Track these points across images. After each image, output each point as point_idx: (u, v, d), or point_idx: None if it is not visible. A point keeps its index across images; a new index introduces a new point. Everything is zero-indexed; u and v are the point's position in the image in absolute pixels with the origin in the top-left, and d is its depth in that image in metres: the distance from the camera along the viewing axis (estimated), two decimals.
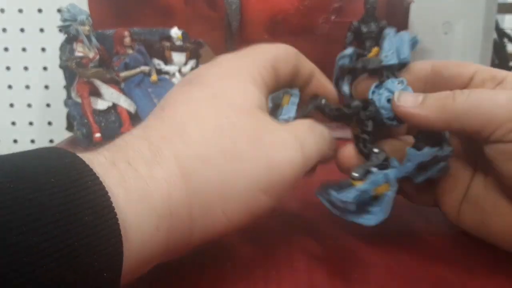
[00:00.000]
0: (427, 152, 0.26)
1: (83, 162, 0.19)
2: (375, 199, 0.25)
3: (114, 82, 0.58)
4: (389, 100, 0.27)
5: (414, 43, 0.28)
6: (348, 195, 0.24)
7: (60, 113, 0.66)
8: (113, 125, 0.56)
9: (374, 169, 0.26)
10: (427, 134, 0.27)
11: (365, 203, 0.25)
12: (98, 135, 0.55)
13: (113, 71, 0.58)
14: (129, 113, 0.57)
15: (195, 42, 0.61)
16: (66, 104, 0.58)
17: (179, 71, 0.61)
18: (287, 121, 0.27)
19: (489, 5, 0.55)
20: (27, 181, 0.16)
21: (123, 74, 0.58)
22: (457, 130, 0.25)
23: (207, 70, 0.26)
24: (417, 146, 0.27)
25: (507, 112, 0.23)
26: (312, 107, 0.30)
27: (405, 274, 0.26)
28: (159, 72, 0.60)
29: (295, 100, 0.28)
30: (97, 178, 0.18)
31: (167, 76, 0.60)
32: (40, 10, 0.72)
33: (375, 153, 0.27)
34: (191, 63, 0.61)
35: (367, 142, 0.28)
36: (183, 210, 0.21)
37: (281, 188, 0.24)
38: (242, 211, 0.23)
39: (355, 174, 0.26)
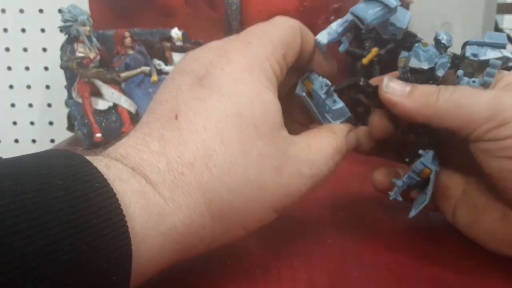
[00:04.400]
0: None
1: (92, 165, 0.19)
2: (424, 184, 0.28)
3: (114, 82, 0.58)
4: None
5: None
6: (398, 182, 0.29)
7: (61, 113, 0.66)
8: (113, 125, 0.57)
9: (421, 151, 0.28)
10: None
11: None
12: (98, 135, 0.55)
13: (113, 72, 0.58)
14: (129, 113, 0.58)
15: (195, 42, 0.61)
16: (67, 104, 0.59)
17: None
18: (344, 115, 0.29)
19: (488, 5, 0.55)
20: (32, 184, 0.16)
21: (124, 74, 0.59)
22: (438, 126, 0.26)
23: (215, 66, 0.24)
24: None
25: (486, 113, 0.24)
26: (346, 86, 0.30)
27: (405, 274, 0.26)
28: (160, 72, 0.60)
29: (327, 88, 0.28)
30: (105, 180, 0.18)
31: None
32: (41, 11, 0.73)
33: (421, 132, 0.28)
34: None
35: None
36: (204, 233, 0.22)
37: (289, 206, 0.25)
38: (257, 224, 0.24)
39: (407, 160, 0.29)
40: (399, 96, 0.26)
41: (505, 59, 0.25)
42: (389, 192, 0.29)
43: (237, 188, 0.22)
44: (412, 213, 0.28)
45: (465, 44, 0.27)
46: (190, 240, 0.22)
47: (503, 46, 0.26)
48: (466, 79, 0.26)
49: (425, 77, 0.27)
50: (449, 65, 0.26)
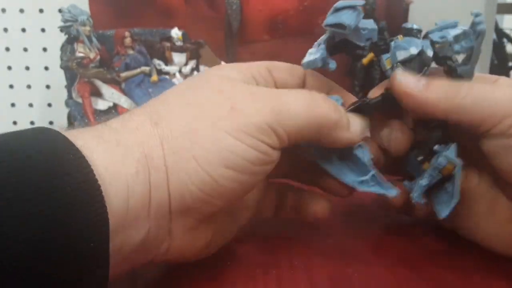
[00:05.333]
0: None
1: (65, 137, 0.20)
2: (446, 180, 0.26)
3: (114, 82, 0.58)
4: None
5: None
6: (421, 181, 0.26)
7: (61, 113, 0.66)
8: None
9: (437, 147, 0.26)
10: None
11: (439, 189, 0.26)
12: None
13: (113, 72, 0.58)
14: None
15: (195, 42, 0.61)
16: (67, 104, 0.59)
17: (180, 71, 0.61)
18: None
19: (488, 5, 0.55)
20: (9, 155, 0.17)
21: (124, 74, 0.59)
22: (455, 121, 0.25)
23: None
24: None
25: (507, 108, 0.23)
26: (355, 107, 0.28)
27: (405, 274, 0.26)
28: (160, 72, 0.60)
29: None
30: (79, 151, 0.19)
31: (167, 77, 0.60)
32: (41, 10, 0.72)
33: (433, 127, 0.27)
34: (192, 63, 0.61)
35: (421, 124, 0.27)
36: (156, 154, 0.22)
37: (253, 133, 0.22)
38: (216, 158, 0.22)
39: (420, 158, 0.27)
40: (415, 89, 0.25)
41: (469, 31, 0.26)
42: (411, 195, 0.26)
43: (176, 108, 0.23)
44: (444, 212, 0.25)
45: (427, 35, 0.27)
46: (146, 168, 0.21)
47: (456, 24, 0.26)
48: (457, 45, 0.25)
49: (417, 65, 0.26)
50: (430, 45, 0.26)
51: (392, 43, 0.26)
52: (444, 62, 0.26)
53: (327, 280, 0.25)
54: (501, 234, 0.26)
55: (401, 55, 0.26)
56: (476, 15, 0.25)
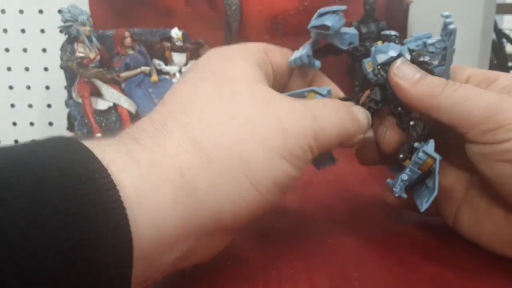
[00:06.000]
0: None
1: (91, 152, 0.18)
2: (427, 176, 0.27)
3: (114, 82, 0.58)
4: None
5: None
6: (402, 176, 0.27)
7: (61, 114, 0.66)
8: (113, 125, 0.57)
9: (417, 144, 0.27)
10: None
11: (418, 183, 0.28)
12: (99, 135, 0.56)
13: (113, 72, 0.58)
14: (129, 113, 0.58)
15: (195, 42, 0.62)
16: (67, 104, 0.59)
17: (180, 71, 0.61)
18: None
19: (488, 5, 0.55)
20: (28, 175, 0.16)
21: (124, 74, 0.59)
22: (435, 119, 0.25)
23: (200, 59, 0.27)
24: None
25: (483, 114, 0.23)
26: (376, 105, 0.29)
27: (405, 274, 0.26)
28: (160, 72, 0.61)
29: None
30: (106, 171, 0.18)
31: (167, 77, 0.61)
32: (41, 11, 0.72)
33: (412, 126, 0.28)
34: (192, 63, 0.61)
35: (403, 116, 0.28)
36: (199, 177, 0.21)
37: (298, 154, 0.23)
38: (266, 176, 0.22)
39: (401, 156, 0.28)
40: (407, 82, 0.26)
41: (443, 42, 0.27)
42: (393, 189, 0.27)
43: (221, 124, 0.22)
44: (424, 206, 0.26)
45: (403, 43, 0.28)
46: (186, 192, 0.20)
47: (431, 36, 0.27)
48: (432, 47, 0.27)
49: None
50: (408, 51, 0.27)
51: (373, 48, 0.28)
52: (422, 67, 0.27)
53: (327, 280, 0.25)
54: (498, 233, 0.26)
55: (381, 58, 0.27)
56: (447, 16, 0.26)
